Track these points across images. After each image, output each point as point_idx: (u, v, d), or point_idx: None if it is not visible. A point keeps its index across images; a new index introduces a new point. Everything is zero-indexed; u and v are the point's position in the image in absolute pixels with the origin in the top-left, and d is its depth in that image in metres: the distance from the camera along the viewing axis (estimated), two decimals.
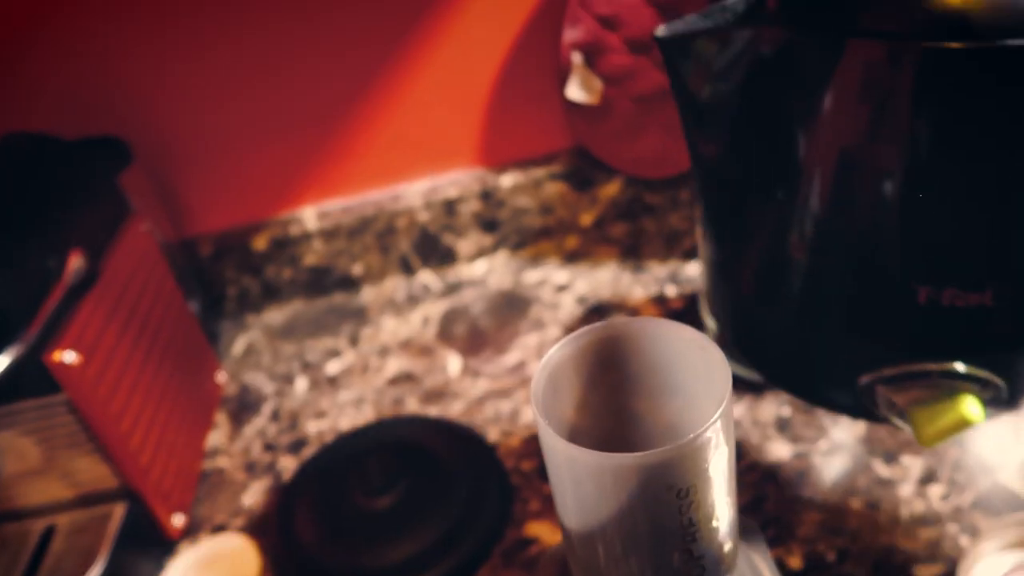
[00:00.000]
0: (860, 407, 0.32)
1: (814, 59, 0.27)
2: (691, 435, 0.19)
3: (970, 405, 0.28)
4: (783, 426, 0.46)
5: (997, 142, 0.25)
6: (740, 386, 0.49)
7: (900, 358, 0.29)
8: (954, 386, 0.28)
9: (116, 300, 0.46)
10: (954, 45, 0.24)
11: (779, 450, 0.45)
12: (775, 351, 0.34)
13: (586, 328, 0.22)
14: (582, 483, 0.21)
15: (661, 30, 0.31)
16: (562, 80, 0.61)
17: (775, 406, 0.47)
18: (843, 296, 0.29)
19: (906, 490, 0.41)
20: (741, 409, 0.47)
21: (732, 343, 0.37)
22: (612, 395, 0.24)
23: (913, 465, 0.42)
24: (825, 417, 0.46)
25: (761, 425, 0.46)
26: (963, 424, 0.28)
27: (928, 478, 0.41)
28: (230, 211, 0.64)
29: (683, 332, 0.22)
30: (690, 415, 0.24)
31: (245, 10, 0.57)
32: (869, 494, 0.41)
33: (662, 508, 0.20)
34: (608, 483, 0.21)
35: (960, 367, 0.28)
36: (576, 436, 0.24)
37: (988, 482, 0.40)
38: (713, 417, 0.19)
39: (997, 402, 0.29)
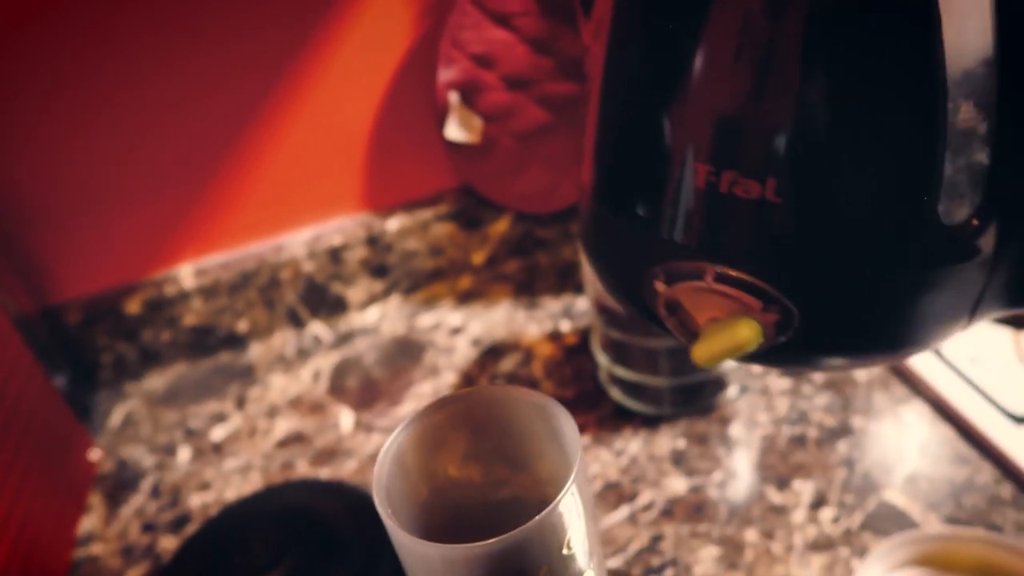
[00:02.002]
0: (649, 310, 0.29)
1: None
2: (537, 516, 0.18)
3: (747, 325, 0.25)
4: (678, 459, 0.45)
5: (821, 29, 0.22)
6: (635, 420, 0.48)
7: (680, 253, 0.26)
8: (742, 302, 0.26)
9: None
10: None
11: (675, 484, 0.44)
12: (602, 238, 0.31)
13: (430, 404, 0.21)
14: (433, 574, 0.20)
15: None
16: (440, 121, 0.60)
17: (670, 439, 0.47)
18: (633, 168, 0.27)
19: (799, 516, 0.41)
20: (637, 444, 0.47)
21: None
22: (469, 468, 0.23)
23: (804, 490, 0.42)
24: (719, 447, 0.46)
25: (657, 460, 0.46)
26: (737, 344, 0.26)
27: (819, 502, 0.41)
28: (98, 275, 0.60)
29: (531, 398, 0.21)
30: (555, 483, 0.23)
31: (104, 59, 0.53)
32: (764, 522, 0.41)
33: None
34: (460, 574, 0.19)
35: (736, 272, 0.25)
36: (433, 517, 0.23)
37: (875, 501, 0.41)
38: (560, 494, 0.18)
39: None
